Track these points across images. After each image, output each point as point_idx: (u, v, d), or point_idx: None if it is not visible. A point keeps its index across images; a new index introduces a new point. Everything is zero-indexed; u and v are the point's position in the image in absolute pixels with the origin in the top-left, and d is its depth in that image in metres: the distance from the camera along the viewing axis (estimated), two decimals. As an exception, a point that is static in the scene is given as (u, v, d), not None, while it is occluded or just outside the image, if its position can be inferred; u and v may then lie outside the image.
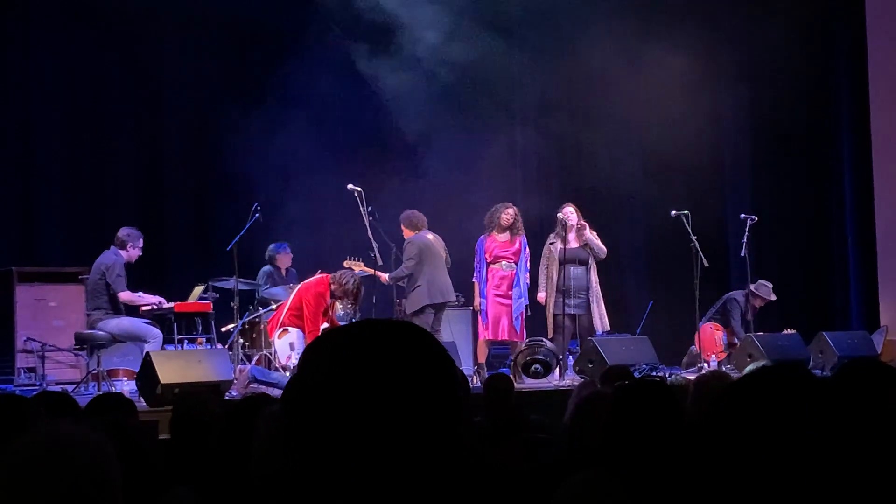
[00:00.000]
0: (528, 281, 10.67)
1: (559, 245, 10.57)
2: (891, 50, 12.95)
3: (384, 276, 10.29)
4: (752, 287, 11.46)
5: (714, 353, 11.27)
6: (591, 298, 10.58)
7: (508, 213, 10.60)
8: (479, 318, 10.67)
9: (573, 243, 10.62)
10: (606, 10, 12.70)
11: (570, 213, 10.70)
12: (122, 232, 9.56)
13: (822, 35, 13.56)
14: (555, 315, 10.51)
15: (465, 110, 12.50)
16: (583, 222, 10.72)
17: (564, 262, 10.48)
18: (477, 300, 10.67)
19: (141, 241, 9.59)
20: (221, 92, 12.07)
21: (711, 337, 11.45)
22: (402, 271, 10.25)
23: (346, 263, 10.18)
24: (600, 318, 10.61)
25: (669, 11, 13.01)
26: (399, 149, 12.70)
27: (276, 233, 11.59)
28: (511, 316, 10.48)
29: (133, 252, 9.52)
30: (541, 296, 10.60)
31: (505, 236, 10.59)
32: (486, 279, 10.57)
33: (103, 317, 9.29)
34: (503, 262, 10.55)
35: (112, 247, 9.52)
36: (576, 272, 10.52)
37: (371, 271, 10.16)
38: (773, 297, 11.65)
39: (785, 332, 11.17)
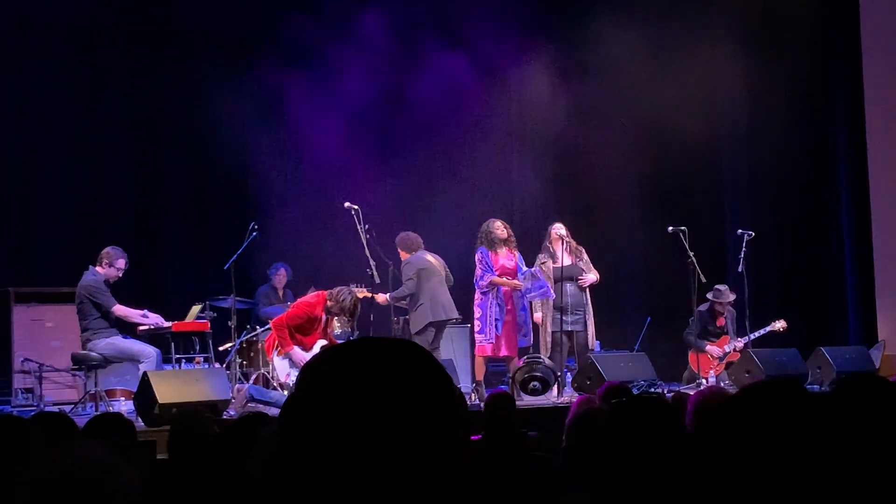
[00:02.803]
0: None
1: (550, 263, 10.47)
2: (887, 66, 12.97)
3: (383, 297, 10.22)
4: (709, 295, 11.40)
5: (710, 368, 11.23)
6: (587, 315, 10.54)
7: (498, 226, 10.33)
8: (480, 329, 10.35)
9: (566, 260, 10.56)
10: (610, 19, 12.79)
11: (560, 227, 10.65)
12: (105, 250, 9.44)
13: (819, 48, 13.58)
14: (552, 333, 10.43)
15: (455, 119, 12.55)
16: (580, 246, 10.66)
17: (561, 279, 10.41)
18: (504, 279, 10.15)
19: (122, 261, 9.39)
20: (219, 110, 12.07)
21: (704, 354, 11.33)
22: (403, 291, 10.19)
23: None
24: (592, 335, 10.58)
25: (671, 29, 13.05)
26: (398, 157, 12.76)
27: (274, 252, 11.57)
28: (510, 331, 10.25)
29: (111, 270, 9.34)
30: (537, 316, 10.51)
31: (504, 251, 10.32)
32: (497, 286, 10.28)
33: (91, 337, 9.18)
34: (505, 279, 10.35)
35: (90, 266, 9.41)
36: (571, 289, 10.47)
37: (370, 295, 10.07)
38: (731, 298, 11.44)
39: (773, 322, 11.25)
